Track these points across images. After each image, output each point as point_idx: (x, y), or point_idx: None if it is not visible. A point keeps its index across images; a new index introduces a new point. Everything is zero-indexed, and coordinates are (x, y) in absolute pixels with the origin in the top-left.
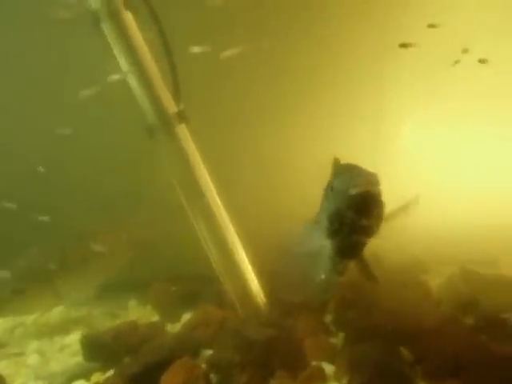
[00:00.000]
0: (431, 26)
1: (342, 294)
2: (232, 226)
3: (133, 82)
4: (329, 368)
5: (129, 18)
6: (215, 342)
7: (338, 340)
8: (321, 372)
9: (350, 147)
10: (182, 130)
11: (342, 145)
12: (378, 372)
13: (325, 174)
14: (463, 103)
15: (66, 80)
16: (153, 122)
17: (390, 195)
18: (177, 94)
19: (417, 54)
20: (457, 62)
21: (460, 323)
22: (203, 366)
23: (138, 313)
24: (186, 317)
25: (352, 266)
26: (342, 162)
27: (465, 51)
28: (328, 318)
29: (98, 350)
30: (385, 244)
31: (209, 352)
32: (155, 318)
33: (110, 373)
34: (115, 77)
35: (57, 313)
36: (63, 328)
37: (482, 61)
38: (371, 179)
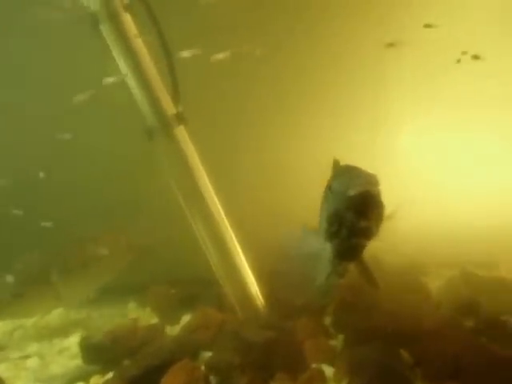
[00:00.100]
0: (427, 26)
1: (341, 297)
2: (231, 228)
3: (132, 83)
4: (328, 370)
5: (128, 20)
6: (215, 345)
7: (337, 342)
8: (320, 374)
9: (350, 147)
10: (181, 132)
11: (343, 145)
12: (378, 374)
13: (325, 175)
14: (464, 105)
15: (64, 85)
16: (152, 124)
17: (390, 195)
18: (176, 96)
19: (418, 55)
20: (458, 60)
21: (460, 325)
22: (203, 368)
23: (138, 315)
24: (186, 319)
25: (352, 268)
26: (342, 163)
27: (464, 53)
28: (327, 321)
29: (98, 353)
30: (384, 246)
31: (208, 354)
32: (154, 320)
33: (110, 375)
34: (115, 79)
35: (56, 315)
36: (63, 331)
37: (474, 57)
38: (370, 180)
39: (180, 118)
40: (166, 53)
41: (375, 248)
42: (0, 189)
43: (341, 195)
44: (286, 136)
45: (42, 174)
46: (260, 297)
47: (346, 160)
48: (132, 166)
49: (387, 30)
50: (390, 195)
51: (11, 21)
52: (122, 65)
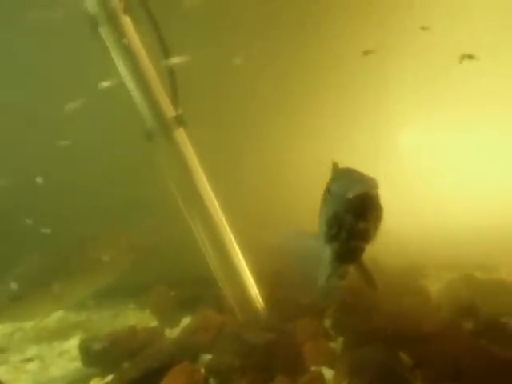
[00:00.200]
0: (424, 28)
1: (341, 299)
2: (230, 230)
3: (131, 86)
4: (328, 373)
5: (127, 22)
6: (214, 347)
7: (337, 344)
8: (320, 376)
9: (353, 147)
10: (181, 134)
11: (346, 145)
12: (378, 376)
13: (327, 176)
14: (464, 105)
15: (63, 87)
16: (151, 126)
17: (391, 195)
18: (175, 98)
19: (419, 55)
20: (460, 61)
21: (459, 327)
22: (202, 370)
23: (137, 318)
24: (185, 321)
25: (352, 270)
26: (341, 166)
27: (464, 57)
28: (327, 323)
29: (97, 356)
30: (384, 249)
31: (208, 357)
32: (154, 322)
33: (109, 378)
34: (114, 82)
35: (56, 318)
36: (62, 333)
37: (469, 56)
38: (369, 183)
39: (179, 121)
40: (165, 55)
41: (375, 250)
42: (0, 189)
43: (340, 198)
44: (288, 136)
45: (39, 179)
46: (260, 299)
47: (349, 160)
48: (132, 168)
49: (388, 32)
50: (390, 195)
51: (9, 22)
52: (122, 67)
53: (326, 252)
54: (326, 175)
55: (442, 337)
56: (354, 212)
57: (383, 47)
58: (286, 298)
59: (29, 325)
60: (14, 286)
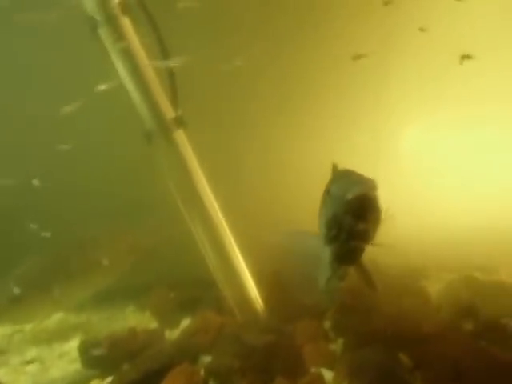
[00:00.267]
0: (422, 29)
1: (341, 300)
2: (230, 231)
3: (130, 87)
4: (328, 374)
5: (126, 23)
6: (214, 348)
7: (336, 346)
8: (320, 378)
9: (354, 148)
10: (180, 136)
11: (346, 146)
12: (378, 377)
13: (327, 177)
14: (464, 106)
15: (63, 88)
16: (151, 128)
17: (391, 195)
18: (175, 100)
19: (419, 56)
20: (460, 61)
21: (459, 328)
22: (202, 372)
23: (137, 319)
24: (185, 323)
25: (351, 271)
26: (341, 167)
27: (464, 57)
28: (327, 324)
29: (97, 357)
30: (384, 250)
31: (208, 358)
32: (154, 324)
33: (109, 380)
34: (114, 83)
35: (56, 320)
36: (62, 335)
37: (466, 56)
38: (368, 184)
39: (179, 122)
40: (164, 56)
41: (374, 251)
42: (0, 189)
43: (339, 199)
44: (288, 137)
45: (39, 181)
46: (259, 300)
47: (349, 161)
48: (131, 169)
49: (388, 32)
50: (390, 195)
51: (9, 23)
52: (121, 68)
53: (326, 253)
54: (325, 176)
55: (442, 338)
56: (353, 213)
57: (383, 48)
58: (286, 300)
59: (28, 326)
60: (13, 287)
